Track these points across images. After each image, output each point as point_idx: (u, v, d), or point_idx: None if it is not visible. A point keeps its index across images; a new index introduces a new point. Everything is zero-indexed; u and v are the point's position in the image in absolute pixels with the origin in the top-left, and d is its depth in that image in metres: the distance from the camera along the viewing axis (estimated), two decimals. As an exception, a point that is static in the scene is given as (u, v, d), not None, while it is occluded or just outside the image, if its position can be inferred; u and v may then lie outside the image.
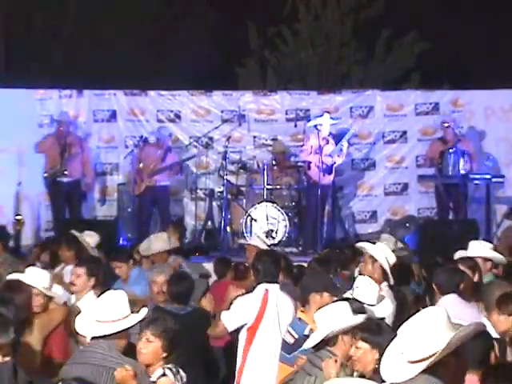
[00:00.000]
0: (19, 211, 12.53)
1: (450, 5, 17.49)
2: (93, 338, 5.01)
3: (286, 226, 11.71)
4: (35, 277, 6.14)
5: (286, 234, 11.72)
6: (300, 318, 5.80)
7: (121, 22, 17.64)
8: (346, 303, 5.10)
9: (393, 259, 6.75)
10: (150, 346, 4.85)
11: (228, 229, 12.12)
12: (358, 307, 5.23)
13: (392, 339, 3.92)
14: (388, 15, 16.92)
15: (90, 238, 8.97)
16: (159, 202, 12.46)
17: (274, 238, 11.64)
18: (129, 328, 5.04)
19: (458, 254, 7.22)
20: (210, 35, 18.78)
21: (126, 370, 4.72)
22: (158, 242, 8.93)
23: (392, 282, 6.68)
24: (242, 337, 6.37)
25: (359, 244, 7.18)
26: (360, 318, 4.95)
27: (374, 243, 7.00)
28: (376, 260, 6.68)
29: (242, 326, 6.36)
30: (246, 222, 11.74)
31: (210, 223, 12.66)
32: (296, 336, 5.70)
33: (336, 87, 14.91)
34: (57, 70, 16.82)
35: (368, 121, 13.55)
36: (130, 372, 4.72)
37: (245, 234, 11.73)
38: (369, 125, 13.56)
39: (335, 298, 5.57)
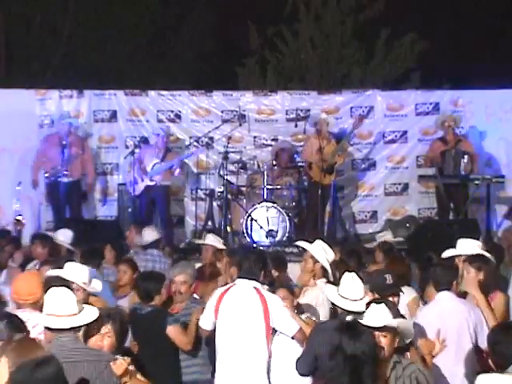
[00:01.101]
0: (19, 211, 12.52)
1: (450, 5, 17.51)
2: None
3: (286, 226, 11.70)
4: (74, 272, 6.21)
5: (287, 234, 11.72)
6: None
7: (121, 22, 17.65)
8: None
9: (331, 256, 6.98)
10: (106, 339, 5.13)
11: (228, 229, 12.12)
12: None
13: None
14: (388, 15, 16.92)
15: (64, 236, 9.06)
16: (159, 202, 12.46)
17: (274, 237, 11.64)
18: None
19: (447, 253, 7.28)
20: (211, 35, 18.80)
21: (124, 361, 4.82)
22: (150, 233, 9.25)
23: (331, 278, 6.90)
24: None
25: (298, 243, 7.40)
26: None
27: (311, 242, 7.19)
28: (316, 259, 6.93)
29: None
30: (247, 222, 11.74)
31: (210, 223, 12.66)
32: None
33: (336, 87, 14.90)
34: (57, 70, 16.84)
35: (368, 121, 13.55)
36: (127, 362, 4.83)
37: (245, 234, 11.74)
38: (369, 125, 13.55)
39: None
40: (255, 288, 6.21)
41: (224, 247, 9.15)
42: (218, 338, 6.25)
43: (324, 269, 6.96)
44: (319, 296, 6.75)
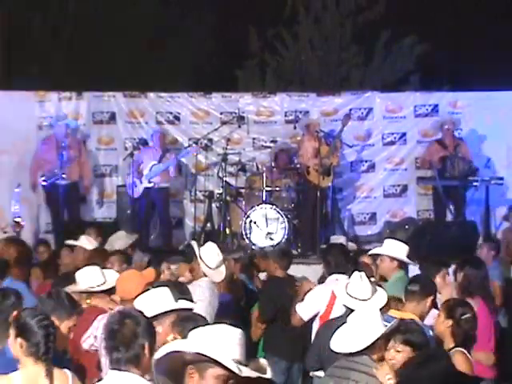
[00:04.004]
0: (18, 213, 12.51)
1: (449, 6, 17.51)
2: None
3: (285, 227, 11.70)
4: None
5: (285, 236, 11.71)
6: None
7: (121, 23, 17.65)
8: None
9: (220, 258, 6.97)
10: None
11: (227, 230, 12.14)
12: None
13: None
14: (387, 17, 16.94)
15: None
16: (158, 204, 12.45)
17: (273, 239, 11.64)
18: None
19: (374, 250, 7.58)
20: (210, 37, 18.80)
21: None
22: (118, 240, 9.10)
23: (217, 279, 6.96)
24: (315, 325, 6.78)
25: (192, 243, 7.47)
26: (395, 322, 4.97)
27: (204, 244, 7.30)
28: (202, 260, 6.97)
29: (316, 315, 6.84)
30: (246, 223, 11.74)
31: (209, 225, 12.65)
32: None
33: (335, 89, 14.90)
34: (56, 71, 16.84)
35: (367, 122, 13.55)
36: None
37: (244, 236, 11.74)
38: (368, 126, 13.55)
39: None
40: None
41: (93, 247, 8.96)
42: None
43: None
44: None
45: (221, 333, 3.41)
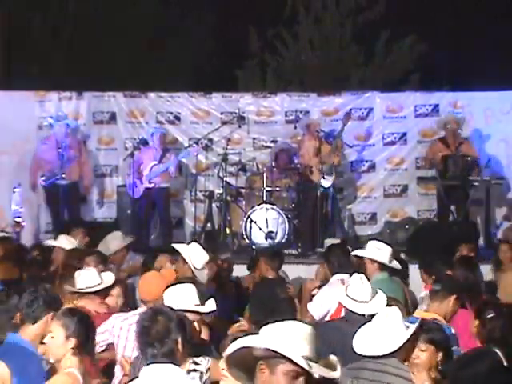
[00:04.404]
0: (19, 213, 12.51)
1: (449, 6, 17.52)
2: None
3: (285, 227, 11.70)
4: None
5: (286, 236, 11.71)
6: None
7: (121, 23, 17.65)
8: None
9: (205, 258, 7.10)
10: None
11: (227, 230, 12.12)
12: None
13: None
14: (387, 17, 16.95)
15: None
16: (159, 204, 12.45)
17: (273, 239, 11.63)
18: None
19: (356, 252, 7.63)
20: (210, 37, 18.80)
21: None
22: (114, 241, 9.10)
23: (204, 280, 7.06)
24: None
25: (174, 245, 7.50)
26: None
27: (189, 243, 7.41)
28: (186, 261, 7.06)
29: (326, 314, 6.94)
30: (246, 223, 11.74)
31: (209, 225, 12.64)
32: None
33: (335, 89, 14.91)
34: (56, 71, 16.84)
35: (367, 122, 13.55)
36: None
37: (244, 236, 11.74)
38: (368, 126, 13.55)
39: None
40: None
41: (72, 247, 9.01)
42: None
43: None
44: None
45: (291, 329, 3.42)
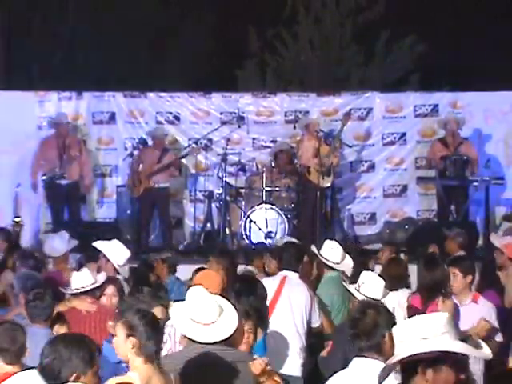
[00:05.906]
0: (18, 213, 12.53)
1: (449, 6, 17.52)
2: None
3: (284, 227, 11.71)
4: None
5: (285, 236, 11.70)
6: None
7: (120, 23, 17.66)
8: None
9: (127, 255, 7.19)
10: None
11: (227, 230, 12.13)
12: None
13: None
14: (387, 17, 16.94)
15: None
16: (158, 204, 12.45)
17: (272, 239, 11.64)
18: None
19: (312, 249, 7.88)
20: (210, 37, 18.81)
21: (262, 361, 4.87)
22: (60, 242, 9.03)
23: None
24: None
25: (95, 243, 7.49)
26: None
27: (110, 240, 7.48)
28: (108, 259, 7.16)
29: None
30: (245, 223, 11.75)
31: (209, 225, 12.65)
32: None
33: (335, 89, 14.92)
34: (56, 71, 16.84)
35: (367, 123, 13.55)
36: (265, 363, 4.90)
37: (244, 236, 11.75)
38: (368, 127, 13.56)
39: None
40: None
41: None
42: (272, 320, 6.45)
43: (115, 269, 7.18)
44: None
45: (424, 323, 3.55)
